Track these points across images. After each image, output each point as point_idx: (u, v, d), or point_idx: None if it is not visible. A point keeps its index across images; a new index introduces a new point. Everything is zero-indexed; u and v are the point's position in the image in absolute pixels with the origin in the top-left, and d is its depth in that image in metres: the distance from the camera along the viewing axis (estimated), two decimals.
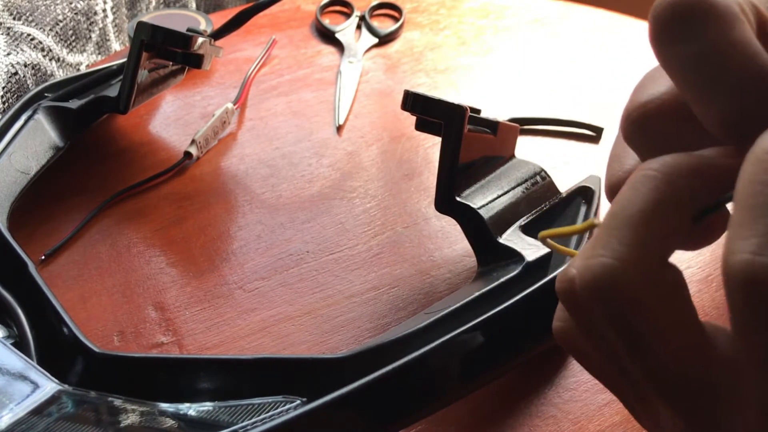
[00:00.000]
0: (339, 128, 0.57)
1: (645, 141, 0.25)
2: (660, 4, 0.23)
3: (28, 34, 0.58)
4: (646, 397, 0.25)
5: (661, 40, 0.23)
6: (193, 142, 0.53)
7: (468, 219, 0.41)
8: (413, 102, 0.40)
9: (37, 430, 0.31)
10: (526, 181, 0.45)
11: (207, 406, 0.33)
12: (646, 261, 0.22)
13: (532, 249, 0.40)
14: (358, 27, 0.68)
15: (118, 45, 0.69)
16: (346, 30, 0.67)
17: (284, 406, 0.33)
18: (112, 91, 0.51)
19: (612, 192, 0.28)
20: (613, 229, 0.22)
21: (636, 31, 0.69)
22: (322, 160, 0.54)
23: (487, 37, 0.67)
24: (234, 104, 0.57)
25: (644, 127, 0.25)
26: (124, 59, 0.50)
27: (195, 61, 0.52)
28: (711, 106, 0.22)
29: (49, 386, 0.33)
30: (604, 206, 0.46)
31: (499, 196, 0.43)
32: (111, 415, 0.33)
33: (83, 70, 0.61)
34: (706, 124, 0.23)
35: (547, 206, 0.44)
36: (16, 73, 0.57)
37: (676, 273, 0.23)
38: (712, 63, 0.22)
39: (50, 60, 0.60)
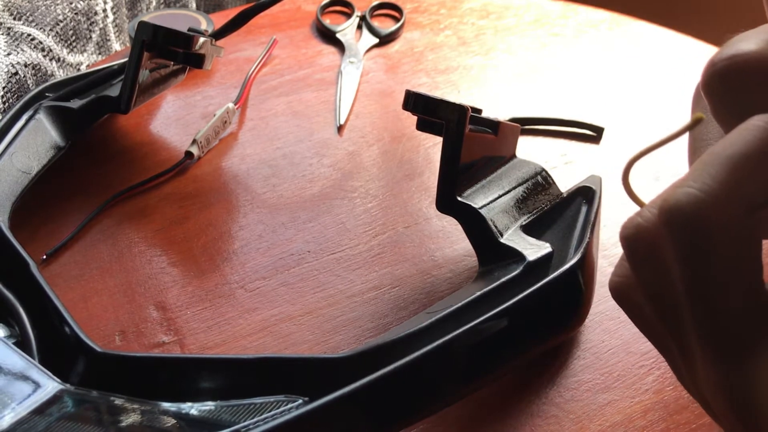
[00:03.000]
0: (340, 128, 0.57)
1: (724, 93, 0.25)
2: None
3: (29, 34, 0.58)
4: (691, 350, 0.25)
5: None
6: (194, 141, 0.53)
7: (469, 219, 0.41)
8: (414, 102, 0.40)
9: (38, 429, 0.31)
10: (527, 181, 0.45)
11: (209, 405, 0.33)
12: (733, 203, 0.22)
13: (533, 249, 0.40)
14: (359, 27, 0.68)
15: (119, 45, 0.69)
16: (346, 30, 0.67)
17: (286, 405, 0.33)
18: (113, 91, 0.51)
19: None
20: (709, 165, 0.22)
21: (637, 31, 0.69)
22: (323, 160, 0.54)
23: (488, 37, 0.68)
24: (235, 104, 0.57)
25: (727, 78, 0.24)
26: (125, 59, 0.50)
27: (196, 61, 0.52)
28: None
29: (50, 386, 0.33)
30: (606, 207, 0.46)
31: (500, 196, 0.43)
32: (113, 414, 0.33)
33: (84, 70, 0.61)
34: None
35: (548, 206, 0.45)
36: (16, 73, 0.57)
37: (756, 228, 0.23)
38: None
39: (51, 60, 0.60)
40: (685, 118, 0.29)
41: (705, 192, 0.22)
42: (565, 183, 0.47)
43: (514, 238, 0.41)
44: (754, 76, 0.24)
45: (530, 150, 0.55)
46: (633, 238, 0.25)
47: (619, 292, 0.27)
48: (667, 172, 0.51)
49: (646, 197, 0.27)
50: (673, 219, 0.23)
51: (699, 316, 0.24)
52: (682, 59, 0.65)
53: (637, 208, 0.26)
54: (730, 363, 0.24)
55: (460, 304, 0.37)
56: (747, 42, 0.25)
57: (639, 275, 0.26)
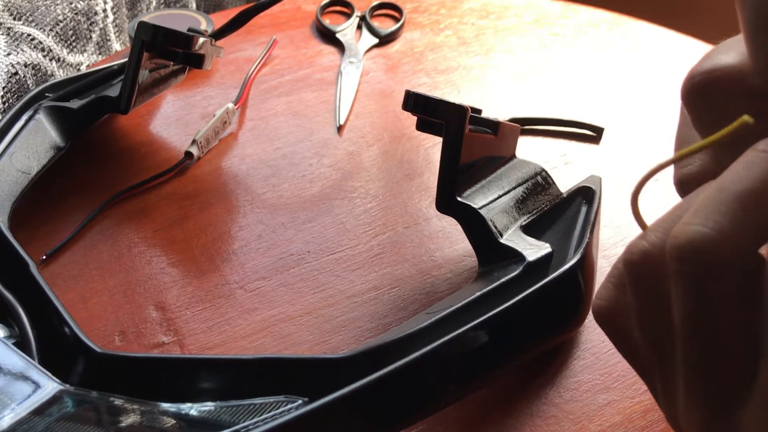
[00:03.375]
0: (340, 128, 0.57)
1: (703, 106, 0.25)
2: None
3: (29, 35, 0.58)
4: (675, 383, 0.25)
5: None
6: (193, 142, 0.53)
7: (469, 219, 0.41)
8: (414, 102, 0.40)
9: (38, 429, 0.31)
10: (526, 181, 0.45)
11: (208, 405, 0.33)
12: (743, 240, 0.22)
13: (533, 249, 0.40)
14: (359, 27, 0.68)
15: (119, 45, 0.69)
16: (346, 30, 0.67)
17: (285, 406, 0.33)
18: (113, 91, 0.51)
19: (682, 184, 0.28)
20: (718, 202, 0.22)
21: (637, 31, 0.69)
22: (323, 160, 0.54)
23: (488, 37, 0.68)
24: (235, 104, 0.57)
25: (705, 92, 0.25)
26: (125, 59, 0.50)
27: (196, 61, 0.52)
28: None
29: (50, 386, 0.33)
30: (606, 207, 0.46)
31: (500, 196, 0.43)
32: (112, 414, 0.33)
33: (84, 70, 0.61)
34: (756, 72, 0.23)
35: (548, 206, 0.45)
36: (16, 73, 0.57)
37: (761, 265, 0.22)
38: None
39: (50, 60, 0.60)
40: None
41: (716, 230, 0.22)
42: (565, 183, 0.47)
43: (513, 238, 0.41)
44: (731, 89, 0.24)
45: (530, 150, 0.55)
46: (638, 264, 0.24)
47: (604, 316, 0.27)
48: (667, 174, 0.51)
49: (646, 199, 0.27)
50: (682, 256, 0.22)
51: (690, 354, 0.24)
52: (682, 59, 0.65)
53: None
54: (714, 409, 0.24)
55: (460, 305, 0.37)
56: (726, 54, 0.25)
57: (637, 301, 0.25)
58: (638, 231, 0.47)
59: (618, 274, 0.27)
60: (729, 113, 0.24)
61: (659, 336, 0.25)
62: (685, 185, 0.28)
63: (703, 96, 0.25)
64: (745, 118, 0.23)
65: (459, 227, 0.42)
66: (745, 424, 0.23)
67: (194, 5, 0.78)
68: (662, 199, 0.46)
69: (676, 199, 0.26)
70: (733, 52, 0.25)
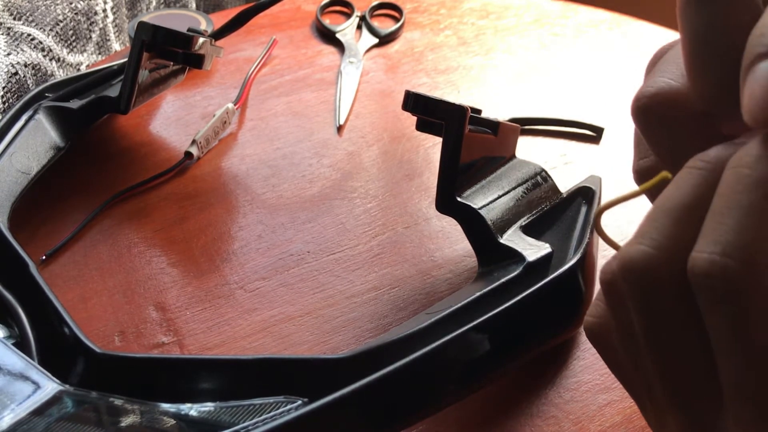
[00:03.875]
0: (340, 128, 0.57)
1: (650, 127, 0.26)
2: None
3: (29, 34, 0.58)
4: (656, 398, 0.25)
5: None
6: (193, 142, 0.53)
7: (469, 219, 0.41)
8: (414, 102, 0.40)
9: (38, 430, 0.31)
10: (526, 181, 0.45)
11: (208, 406, 0.33)
12: (679, 253, 0.22)
13: (532, 249, 0.40)
14: (359, 27, 0.68)
15: (119, 45, 0.69)
16: (346, 30, 0.67)
17: (285, 406, 0.33)
18: (113, 91, 0.51)
19: (640, 177, 0.29)
20: (653, 220, 0.23)
21: (637, 31, 0.69)
22: (323, 161, 0.54)
23: (488, 37, 0.67)
24: (234, 104, 0.57)
25: (650, 114, 0.26)
26: (125, 59, 0.50)
27: (196, 62, 0.52)
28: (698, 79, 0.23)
29: (50, 386, 0.33)
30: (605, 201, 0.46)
31: (499, 197, 0.43)
32: (112, 415, 0.33)
33: (83, 70, 0.61)
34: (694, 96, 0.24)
35: (548, 206, 0.45)
36: (16, 73, 0.57)
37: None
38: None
39: (50, 60, 0.60)
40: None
41: (653, 247, 0.23)
42: (565, 183, 0.47)
43: (513, 238, 0.41)
44: (674, 112, 0.26)
45: (530, 150, 0.55)
46: (608, 283, 0.25)
47: (594, 333, 0.27)
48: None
49: (631, 212, 0.28)
50: (627, 276, 0.23)
51: (659, 368, 0.24)
52: None
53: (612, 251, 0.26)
54: (694, 418, 0.24)
55: (459, 305, 0.37)
56: (667, 74, 0.26)
57: (615, 321, 0.26)
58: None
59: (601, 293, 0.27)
60: (673, 133, 0.25)
61: (638, 354, 0.26)
62: (641, 176, 0.30)
63: (649, 118, 0.26)
64: (664, 174, 0.25)
65: (459, 227, 0.42)
66: None
67: (194, 5, 0.78)
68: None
69: None
70: (675, 70, 0.26)
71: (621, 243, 0.27)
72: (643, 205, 0.28)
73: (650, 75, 0.27)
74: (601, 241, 0.47)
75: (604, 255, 0.47)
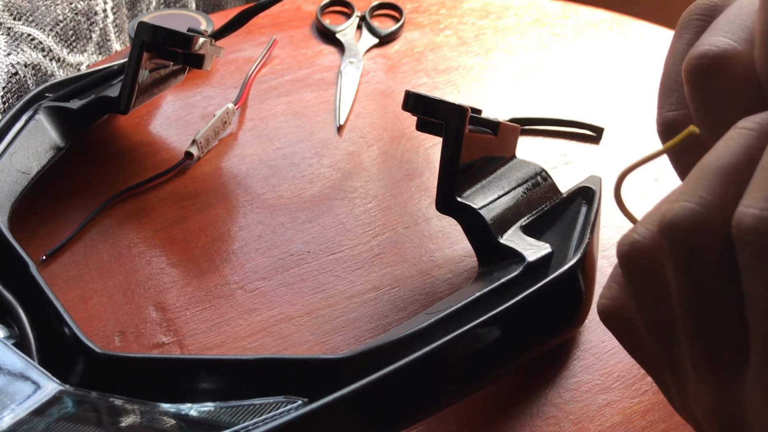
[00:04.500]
0: (340, 128, 0.57)
1: (703, 87, 0.25)
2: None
3: (29, 35, 0.58)
4: (683, 370, 0.25)
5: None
6: (193, 142, 0.53)
7: (469, 219, 0.41)
8: (414, 102, 0.40)
9: (38, 430, 0.31)
10: (526, 181, 0.45)
11: (208, 406, 0.33)
12: (725, 211, 0.22)
13: (533, 249, 0.40)
14: (359, 27, 0.68)
15: (119, 45, 0.69)
16: (346, 30, 0.67)
17: (285, 406, 0.33)
18: (113, 91, 0.51)
19: (666, 129, 0.28)
20: (701, 178, 0.23)
21: (637, 31, 0.69)
22: (323, 161, 0.54)
23: (488, 37, 0.67)
24: (235, 104, 0.57)
25: (707, 75, 0.25)
26: (125, 59, 0.50)
27: (196, 62, 0.52)
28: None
29: (50, 386, 0.33)
30: (606, 207, 0.46)
31: (499, 197, 0.43)
32: (112, 415, 0.33)
33: (84, 70, 0.61)
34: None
35: (548, 206, 0.45)
36: (16, 73, 0.57)
37: None
38: None
39: (50, 60, 0.60)
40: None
41: (702, 205, 0.23)
42: (565, 183, 0.47)
43: (513, 238, 0.41)
44: (733, 74, 0.25)
45: (530, 150, 0.55)
46: (630, 254, 0.25)
47: (609, 314, 0.27)
48: (667, 174, 0.51)
49: (647, 199, 0.27)
50: (672, 233, 0.23)
51: (693, 331, 0.24)
52: None
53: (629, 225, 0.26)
54: (720, 383, 0.24)
55: (459, 305, 0.37)
56: (731, 35, 0.25)
57: (635, 293, 0.26)
58: None
59: (619, 272, 0.27)
60: (726, 96, 0.25)
61: (661, 325, 0.26)
62: (667, 128, 0.29)
63: (706, 77, 0.25)
64: (691, 128, 0.25)
65: (459, 227, 0.42)
66: (746, 396, 0.23)
67: (194, 5, 0.78)
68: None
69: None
70: (740, 33, 0.25)
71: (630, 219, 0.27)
72: (639, 203, 0.27)
73: (709, 32, 0.26)
74: (601, 242, 0.47)
75: (604, 255, 0.47)
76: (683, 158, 0.28)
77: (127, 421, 0.33)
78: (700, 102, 0.26)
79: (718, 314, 0.23)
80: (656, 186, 0.51)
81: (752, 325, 0.22)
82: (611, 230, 0.48)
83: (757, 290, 0.22)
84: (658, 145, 0.27)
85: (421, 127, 0.41)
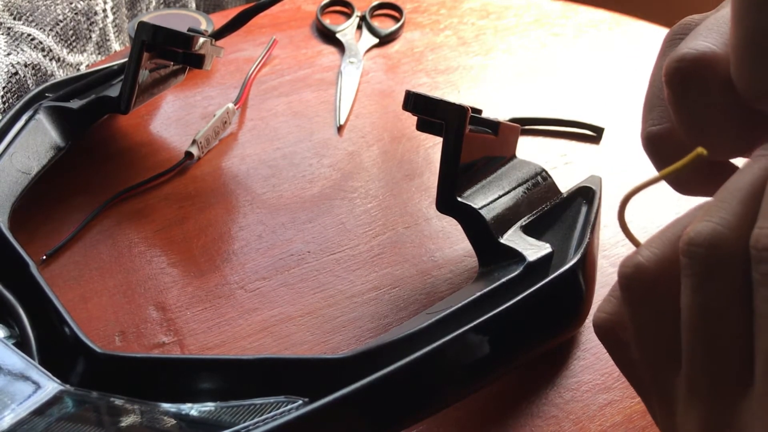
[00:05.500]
0: (340, 128, 0.57)
1: (684, 93, 0.26)
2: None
3: (29, 34, 0.58)
4: (673, 395, 0.26)
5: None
6: (194, 142, 0.53)
7: (469, 219, 0.41)
8: (414, 102, 0.40)
9: (38, 430, 0.31)
10: (527, 181, 0.45)
11: (209, 406, 0.33)
12: (744, 232, 0.23)
13: (533, 249, 0.40)
14: (359, 27, 0.68)
15: (119, 45, 0.69)
16: (346, 30, 0.67)
17: (286, 406, 0.33)
18: (113, 91, 0.51)
19: (650, 143, 0.29)
20: (723, 200, 0.24)
21: (637, 31, 0.69)
22: (323, 161, 0.54)
23: (488, 37, 0.68)
24: (235, 104, 0.57)
25: (687, 78, 0.26)
26: (125, 59, 0.50)
27: (196, 62, 0.52)
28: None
29: (50, 386, 0.33)
30: (606, 207, 0.46)
31: (500, 197, 0.43)
32: (112, 415, 0.33)
33: (83, 70, 0.61)
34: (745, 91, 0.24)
35: (548, 206, 0.45)
36: (16, 73, 0.57)
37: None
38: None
39: (50, 60, 0.60)
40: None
41: (721, 224, 0.23)
42: (565, 183, 0.47)
43: (514, 238, 0.41)
44: (714, 77, 0.26)
45: (530, 150, 0.55)
46: (633, 277, 0.25)
47: (605, 330, 0.28)
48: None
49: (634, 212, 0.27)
50: (692, 249, 0.24)
51: (695, 353, 0.24)
52: None
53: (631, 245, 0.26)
54: (715, 407, 0.24)
55: (460, 305, 0.37)
56: (710, 39, 0.26)
57: (633, 314, 0.26)
58: (636, 232, 0.47)
59: (617, 288, 0.27)
60: (709, 100, 0.26)
61: (653, 349, 0.26)
62: (651, 142, 0.30)
63: (686, 81, 0.26)
64: (700, 150, 0.25)
65: (459, 227, 0.42)
66: (747, 418, 0.24)
67: (194, 5, 0.78)
68: (650, 209, 0.46)
69: (665, 209, 0.26)
70: (718, 37, 0.26)
71: (621, 246, 0.27)
72: (640, 206, 0.27)
73: (688, 38, 0.27)
74: (601, 242, 0.47)
75: (604, 255, 0.47)
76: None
77: (127, 421, 0.33)
78: (680, 105, 0.26)
79: (725, 334, 0.24)
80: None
81: (759, 341, 0.23)
82: (611, 230, 0.48)
83: (766, 306, 0.22)
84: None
85: (422, 127, 0.41)
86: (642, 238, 0.27)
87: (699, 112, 0.26)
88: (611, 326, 0.27)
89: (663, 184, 0.28)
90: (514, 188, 0.44)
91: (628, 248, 0.47)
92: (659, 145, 0.28)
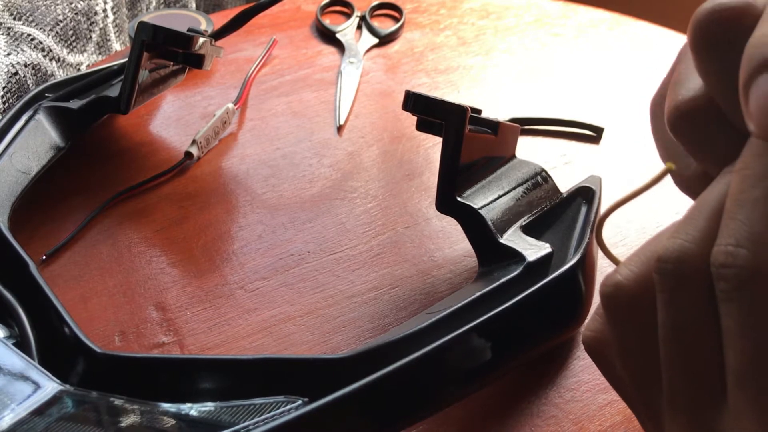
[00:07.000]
0: (340, 128, 0.57)
1: (683, 136, 0.26)
2: (701, 10, 0.24)
3: (29, 35, 0.58)
4: (659, 413, 0.26)
5: (701, 47, 0.25)
6: (193, 142, 0.53)
7: (469, 219, 0.41)
8: (414, 102, 0.40)
9: (38, 430, 0.31)
10: (526, 181, 0.45)
11: (208, 406, 0.33)
12: (710, 249, 0.23)
13: (533, 249, 0.40)
14: (359, 27, 0.68)
15: (119, 45, 0.69)
16: (346, 30, 0.67)
17: (286, 406, 0.33)
18: (113, 91, 0.51)
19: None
20: (691, 218, 0.25)
21: (636, 31, 0.69)
22: (323, 161, 0.54)
23: (488, 37, 0.68)
24: (235, 104, 0.57)
25: (681, 125, 0.26)
26: (125, 59, 0.50)
27: (196, 62, 0.52)
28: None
29: (50, 386, 0.33)
30: (605, 207, 0.46)
31: (500, 197, 0.43)
32: (112, 415, 0.33)
33: (84, 70, 0.61)
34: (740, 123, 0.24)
35: (548, 206, 0.45)
36: (16, 73, 0.57)
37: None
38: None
39: (50, 60, 0.60)
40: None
41: (688, 240, 0.24)
42: (565, 183, 0.47)
43: (513, 238, 0.41)
44: (703, 118, 0.26)
45: (530, 150, 0.55)
46: (612, 295, 0.26)
47: (593, 348, 0.28)
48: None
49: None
50: (661, 265, 0.24)
51: (673, 365, 0.25)
52: None
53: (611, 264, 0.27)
54: (697, 418, 0.25)
55: (459, 305, 0.37)
56: (689, 81, 0.26)
57: (616, 332, 0.27)
58: (636, 232, 0.47)
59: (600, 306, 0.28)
60: (705, 137, 0.26)
61: (637, 368, 0.27)
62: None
63: (681, 128, 0.26)
64: (669, 165, 0.26)
65: (459, 227, 0.42)
66: (723, 429, 0.24)
67: (194, 5, 0.78)
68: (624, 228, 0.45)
69: (665, 209, 0.26)
70: (693, 76, 0.26)
71: (621, 246, 0.27)
72: (639, 206, 0.28)
73: (676, 87, 0.27)
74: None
75: (604, 255, 0.47)
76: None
77: (127, 421, 0.33)
78: (697, 150, 0.26)
79: (698, 348, 0.24)
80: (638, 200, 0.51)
81: (727, 356, 0.23)
82: (611, 230, 0.48)
83: (730, 321, 0.23)
84: (653, 153, 0.28)
85: (421, 127, 0.41)
86: (641, 239, 0.27)
87: (709, 150, 0.26)
88: (596, 344, 0.28)
89: (667, 182, 0.28)
90: (514, 188, 0.44)
91: (629, 248, 0.47)
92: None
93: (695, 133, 0.26)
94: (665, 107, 0.27)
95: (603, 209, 0.27)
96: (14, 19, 0.58)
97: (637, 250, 0.26)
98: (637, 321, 0.26)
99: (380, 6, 0.71)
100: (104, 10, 0.66)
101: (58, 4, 0.62)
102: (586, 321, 0.29)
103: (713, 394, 0.24)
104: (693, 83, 0.26)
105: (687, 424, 0.25)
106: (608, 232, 0.48)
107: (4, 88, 0.55)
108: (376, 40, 0.66)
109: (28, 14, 0.59)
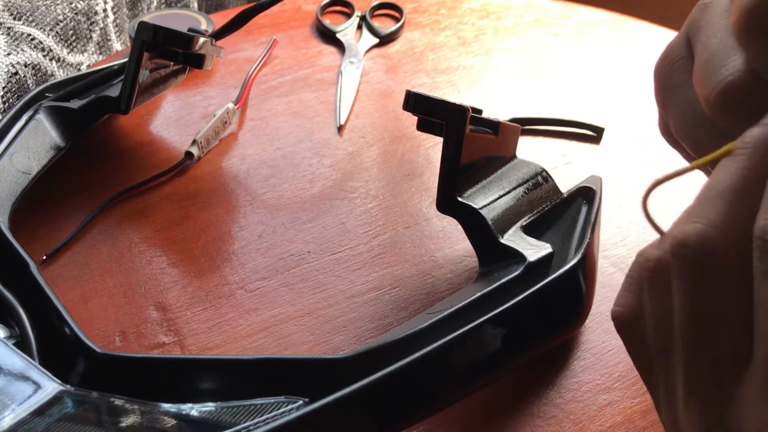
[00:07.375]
0: (340, 128, 0.57)
1: (734, 117, 0.26)
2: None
3: (29, 34, 0.58)
4: (675, 390, 0.26)
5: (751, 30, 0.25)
6: (194, 142, 0.53)
7: (469, 219, 0.41)
8: (415, 102, 0.40)
9: (38, 430, 0.31)
10: (527, 181, 0.45)
11: (209, 406, 0.33)
12: (731, 230, 0.24)
13: (533, 249, 0.40)
14: (359, 27, 0.68)
15: (119, 45, 0.69)
16: (346, 30, 0.67)
17: (286, 406, 0.33)
18: (113, 91, 0.51)
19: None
20: (707, 200, 0.24)
21: (636, 31, 0.69)
22: (323, 161, 0.54)
23: (488, 37, 0.67)
24: (235, 104, 0.57)
25: (732, 104, 0.26)
26: (125, 59, 0.50)
27: (196, 62, 0.52)
28: None
29: (50, 386, 0.33)
30: (606, 207, 0.46)
31: (500, 197, 0.43)
32: (113, 415, 0.33)
33: (84, 70, 0.61)
34: None
35: (549, 206, 0.45)
36: (16, 73, 0.57)
37: (749, 254, 0.24)
38: None
39: (51, 60, 0.60)
40: None
41: (709, 225, 0.24)
42: (565, 183, 0.47)
43: (514, 238, 0.41)
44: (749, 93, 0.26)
45: (530, 150, 0.55)
46: (649, 268, 0.26)
47: (622, 323, 0.28)
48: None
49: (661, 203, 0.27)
50: (682, 251, 0.24)
51: (690, 349, 0.25)
52: None
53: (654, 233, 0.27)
54: (711, 404, 0.25)
55: (460, 305, 0.37)
56: (731, 58, 0.26)
57: (650, 308, 0.27)
58: (637, 232, 0.47)
59: (635, 281, 0.28)
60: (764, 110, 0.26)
61: (666, 342, 0.26)
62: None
63: (742, 102, 0.26)
64: (731, 145, 0.25)
65: (459, 227, 0.42)
66: (738, 416, 0.24)
67: (195, 5, 0.78)
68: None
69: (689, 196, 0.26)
70: (735, 53, 0.26)
71: (621, 246, 0.27)
72: (639, 205, 0.27)
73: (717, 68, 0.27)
74: (601, 242, 0.47)
75: (604, 255, 0.47)
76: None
77: (127, 421, 0.33)
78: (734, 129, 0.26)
79: (718, 332, 0.24)
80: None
81: (759, 333, 0.23)
82: (612, 230, 0.48)
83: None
84: (659, 146, 0.28)
85: (422, 127, 0.41)
86: (641, 239, 0.27)
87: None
88: (627, 319, 0.28)
89: (668, 182, 0.28)
90: (515, 188, 0.44)
91: (629, 249, 0.47)
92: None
93: (747, 111, 0.25)
94: (701, 91, 0.26)
95: (655, 179, 0.26)
96: (14, 19, 0.58)
97: (669, 229, 0.26)
98: (663, 296, 0.26)
99: (380, 6, 0.71)
100: (104, 10, 0.66)
101: (58, 4, 0.62)
102: (617, 297, 0.28)
103: (729, 381, 0.24)
104: (735, 60, 0.26)
105: (700, 409, 0.25)
106: (610, 232, 0.48)
107: (4, 88, 0.55)
108: (376, 40, 0.66)
109: (28, 14, 0.59)
